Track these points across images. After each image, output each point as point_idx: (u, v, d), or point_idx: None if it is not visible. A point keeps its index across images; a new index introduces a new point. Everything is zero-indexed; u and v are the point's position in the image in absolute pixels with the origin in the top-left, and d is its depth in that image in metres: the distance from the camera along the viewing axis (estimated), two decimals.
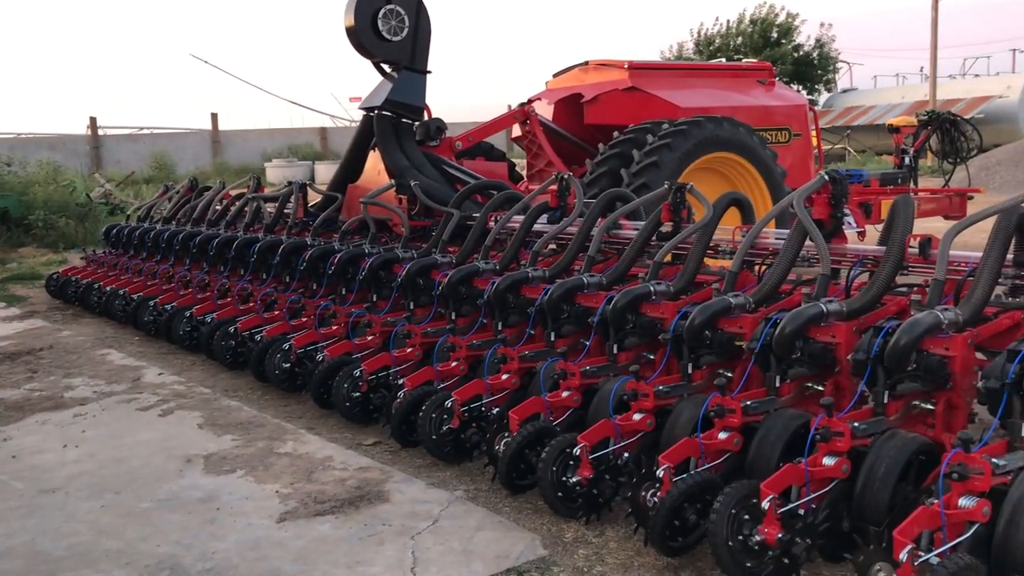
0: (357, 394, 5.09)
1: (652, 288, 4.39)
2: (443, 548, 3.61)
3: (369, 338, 5.52)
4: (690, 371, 4.02)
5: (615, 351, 4.39)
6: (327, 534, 3.78)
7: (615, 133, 8.31)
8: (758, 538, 3.06)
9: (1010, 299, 3.78)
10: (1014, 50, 44.89)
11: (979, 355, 3.48)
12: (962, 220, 3.78)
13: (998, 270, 3.54)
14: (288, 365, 5.74)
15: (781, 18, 38.24)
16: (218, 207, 8.73)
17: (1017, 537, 2.80)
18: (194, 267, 7.90)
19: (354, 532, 3.79)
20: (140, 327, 7.83)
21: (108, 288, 8.61)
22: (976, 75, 38.12)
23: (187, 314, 7.14)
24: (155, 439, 5.09)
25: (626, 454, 3.79)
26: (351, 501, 4.10)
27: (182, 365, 6.83)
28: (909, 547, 2.66)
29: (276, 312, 6.44)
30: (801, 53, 38.45)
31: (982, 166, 19.96)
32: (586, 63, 9.89)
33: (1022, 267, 3.68)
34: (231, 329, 6.46)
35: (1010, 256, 3.64)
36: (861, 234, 8.87)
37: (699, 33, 39.34)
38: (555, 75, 10.34)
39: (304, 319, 6.14)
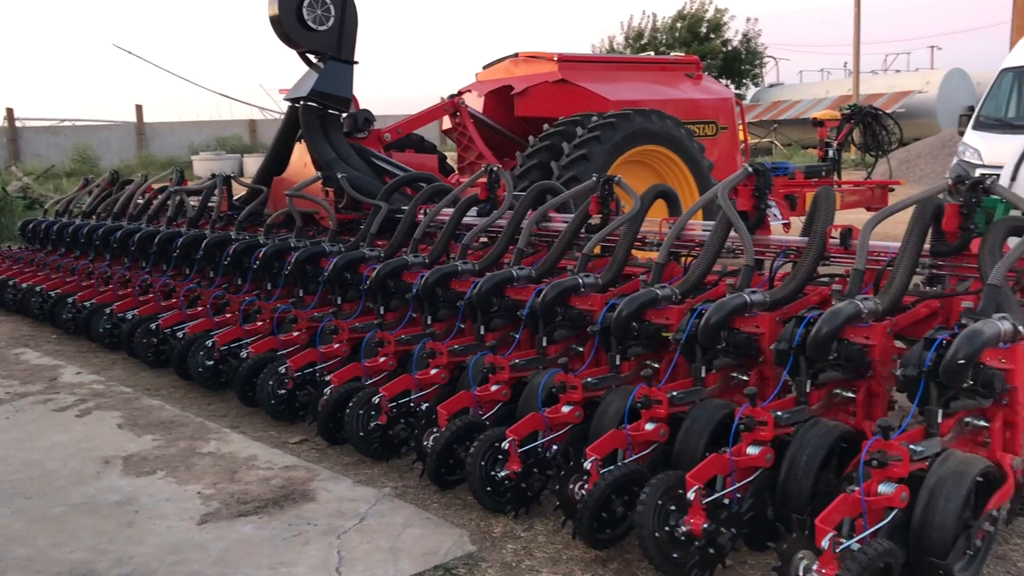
0: (283, 391, 4.99)
1: (581, 281, 4.38)
2: (370, 547, 3.55)
3: (295, 334, 5.41)
4: (618, 363, 4.02)
5: (544, 344, 4.38)
6: (250, 535, 3.69)
7: (545, 125, 8.30)
8: (684, 529, 3.07)
9: (927, 288, 3.86)
10: (932, 47, 46.38)
11: (898, 343, 3.55)
12: (881, 211, 3.86)
13: (916, 260, 3.60)
14: (212, 362, 5.61)
15: (710, 13, 38.75)
16: (140, 201, 8.50)
17: (933, 521, 2.87)
18: (115, 263, 7.68)
19: (278, 532, 3.70)
20: (58, 325, 7.58)
21: (24, 285, 8.31)
22: (897, 71, 39.20)
23: (107, 311, 6.94)
24: (71, 441, 4.92)
25: (555, 447, 3.78)
26: (275, 501, 4.01)
27: (102, 364, 6.62)
28: (831, 534, 2.69)
29: (199, 308, 6.28)
30: (729, 48, 39.02)
31: (903, 159, 20.51)
32: (516, 55, 9.86)
33: (939, 257, 3.75)
34: (153, 326, 6.29)
35: (927, 246, 3.71)
36: (786, 226, 9.02)
37: (628, 26, 39.67)
38: (485, 67, 10.29)
39: (228, 315, 6.00)
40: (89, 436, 4.98)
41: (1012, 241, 3.53)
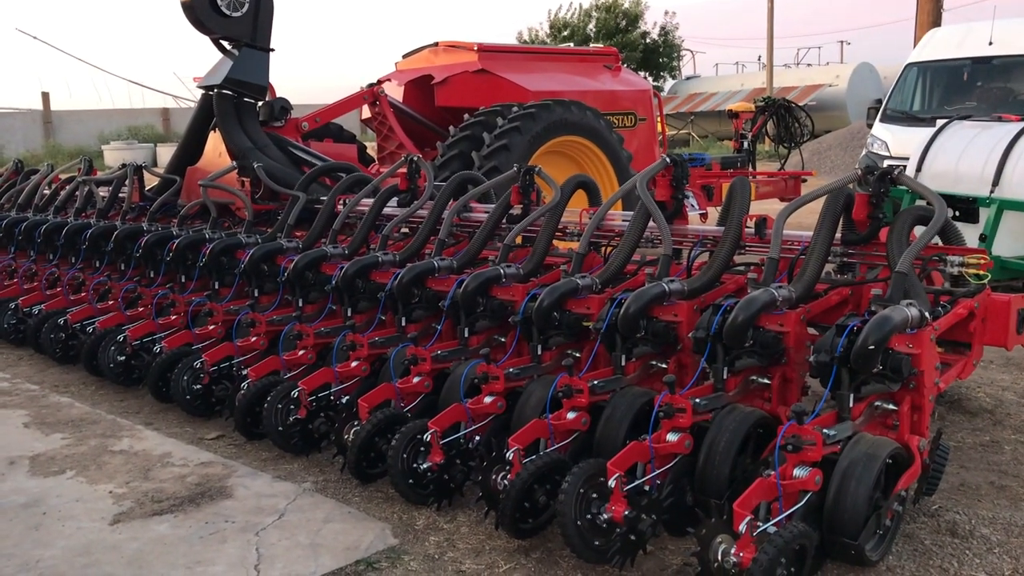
0: (198, 386, 4.87)
1: (502, 271, 4.37)
2: (289, 543, 3.49)
3: (211, 327, 5.28)
4: (540, 352, 4.03)
5: (466, 335, 4.36)
6: (165, 534, 3.59)
7: (466, 115, 8.26)
8: (605, 516, 3.10)
9: (839, 276, 3.97)
10: (842, 42, 47.73)
11: (811, 330, 3.64)
12: (794, 201, 3.94)
13: (827, 248, 3.69)
14: (123, 358, 5.44)
15: (627, 5, 39.15)
16: (46, 191, 8.18)
17: (845, 503, 2.95)
18: (20, 256, 7.38)
19: (194, 531, 3.61)
20: None
21: None
22: (808, 65, 40.16)
23: (12, 306, 6.68)
24: None
25: (477, 437, 3.78)
26: (191, 499, 3.91)
27: (6, 361, 6.36)
28: (748, 518, 2.75)
29: (110, 302, 6.09)
30: (648, 40, 39.50)
31: (814, 151, 21.07)
32: (436, 45, 9.79)
33: (849, 245, 3.85)
34: (61, 321, 6.07)
35: (839, 235, 3.81)
36: (703, 215, 9.17)
37: (555, 16, 39.83)
38: (405, 56, 10.19)
39: (141, 309, 5.82)
40: None
41: (919, 230, 3.64)
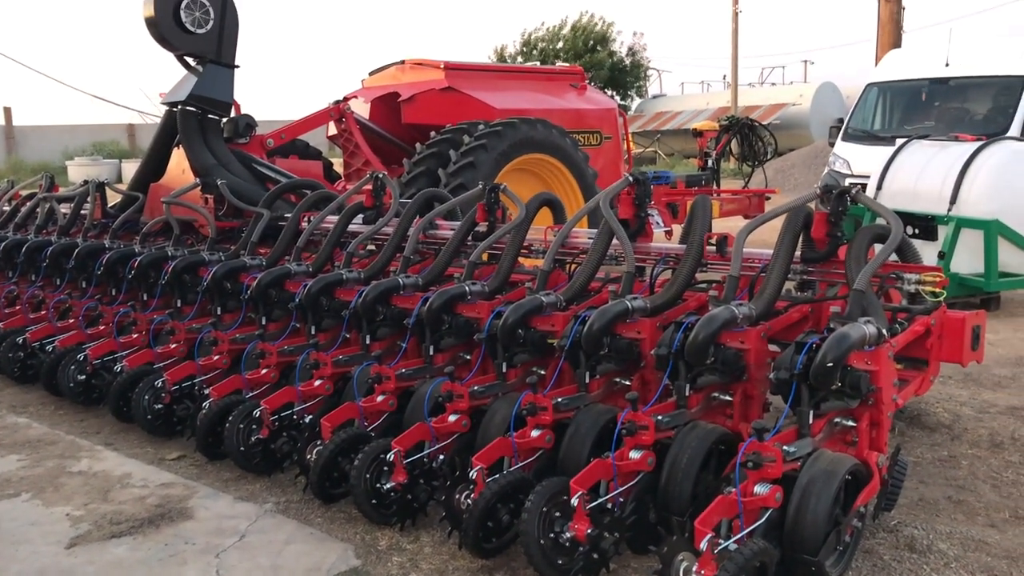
0: (159, 406, 4.81)
1: (467, 288, 4.37)
2: (250, 565, 3.45)
3: (172, 346, 5.23)
4: (504, 370, 4.03)
5: (431, 353, 4.35)
6: (123, 557, 3.53)
7: (432, 133, 8.29)
8: (568, 535, 3.10)
9: (799, 294, 4.01)
10: (805, 62, 48.33)
11: (772, 347, 3.67)
12: (754, 219, 3.98)
13: (787, 266, 3.74)
14: (84, 377, 5.36)
15: (599, 26, 39.51)
16: (6, 208, 8.07)
17: (805, 519, 2.97)
18: None
19: (153, 553, 3.56)
20: None
21: None
22: (773, 84, 40.60)
23: None
24: None
25: (441, 456, 3.76)
26: (151, 520, 3.86)
27: None
28: (709, 536, 2.76)
29: (71, 320, 6.00)
30: (616, 59, 39.85)
31: (778, 169, 21.34)
32: (402, 62, 9.82)
33: (809, 263, 3.90)
34: (20, 339, 5.97)
35: (798, 253, 3.86)
36: (668, 233, 9.26)
37: (528, 35, 40.10)
38: (371, 73, 10.21)
39: (102, 327, 5.75)
40: None
41: (878, 248, 3.70)
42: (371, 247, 5.76)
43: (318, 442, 3.98)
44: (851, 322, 3.20)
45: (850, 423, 3.29)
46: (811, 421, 3.16)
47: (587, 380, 3.75)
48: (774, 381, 3.19)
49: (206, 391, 4.64)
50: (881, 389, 3.20)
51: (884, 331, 3.21)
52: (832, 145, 11.51)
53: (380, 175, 5.81)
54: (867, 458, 3.26)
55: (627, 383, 3.86)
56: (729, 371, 3.45)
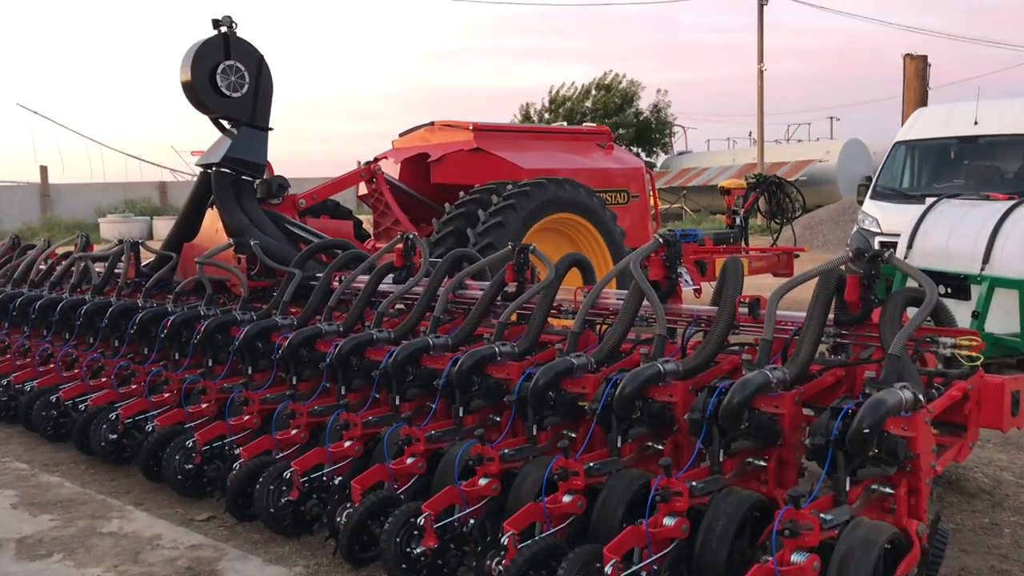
0: (190, 466, 4.83)
1: (497, 349, 4.38)
2: None
3: (203, 406, 5.25)
4: (535, 433, 4.00)
5: (461, 414, 4.34)
6: None
7: (461, 193, 8.36)
8: None
9: (833, 357, 3.98)
10: (832, 118, 48.51)
11: (806, 411, 3.63)
12: (787, 282, 3.97)
13: (821, 329, 3.71)
14: (115, 436, 5.39)
15: (624, 84, 40.03)
16: (43, 267, 8.21)
17: None
18: (13, 331, 7.37)
19: None
20: None
21: None
22: (799, 140, 40.78)
23: (4, 382, 6.63)
24: None
25: (472, 521, 3.73)
26: None
27: None
28: None
29: (103, 379, 6.06)
30: (641, 118, 40.27)
31: (806, 225, 21.29)
32: (432, 123, 9.96)
33: (843, 326, 3.87)
34: (53, 398, 6.03)
35: (831, 316, 3.83)
36: (697, 291, 9.23)
37: (556, 92, 40.66)
38: (401, 134, 10.36)
39: (134, 386, 5.80)
40: None
41: (911, 311, 3.67)
42: (401, 307, 5.80)
43: (348, 504, 3.97)
44: (887, 387, 3.16)
45: (888, 490, 3.23)
46: (848, 488, 3.11)
47: (619, 444, 3.72)
48: (809, 447, 3.15)
49: (236, 451, 4.65)
50: (919, 456, 3.15)
51: (921, 396, 3.17)
52: (860, 203, 11.49)
53: (410, 235, 5.87)
54: (906, 526, 3.19)
55: (660, 447, 3.82)
56: (763, 436, 3.41)
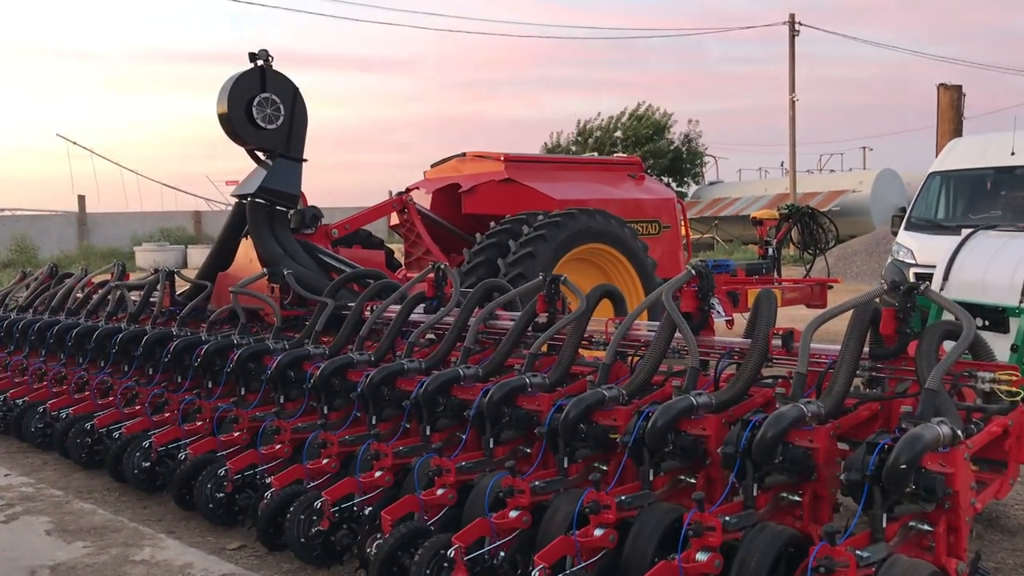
0: (221, 494, 4.85)
1: (528, 380, 4.37)
2: None
3: (236, 434, 5.29)
4: (566, 465, 3.98)
5: (491, 445, 4.33)
6: None
7: (492, 223, 8.40)
8: None
9: (868, 391, 3.93)
10: (864, 148, 48.15)
11: (841, 445, 3.58)
12: (821, 314, 3.94)
13: (856, 363, 3.67)
14: (148, 464, 5.44)
15: (657, 115, 40.13)
16: (79, 295, 8.33)
17: None
18: (50, 359, 7.47)
19: None
20: None
21: None
22: (832, 170, 40.55)
23: (40, 409, 6.72)
24: None
25: (502, 553, 3.71)
26: None
27: (32, 465, 6.38)
28: None
29: (137, 407, 6.12)
30: (672, 148, 40.30)
31: (840, 256, 21.10)
32: (463, 154, 10.03)
33: (878, 360, 3.82)
34: (88, 425, 6.10)
35: (866, 349, 3.79)
36: (729, 322, 9.17)
37: (583, 124, 40.85)
38: (433, 165, 10.45)
39: (167, 414, 5.85)
40: (15, 544, 4.76)
41: (948, 344, 3.62)
42: (431, 336, 5.81)
43: (378, 535, 3.96)
44: (924, 422, 3.11)
45: (926, 527, 3.17)
46: (885, 525, 3.06)
47: (651, 477, 3.69)
48: (845, 482, 3.10)
49: (268, 480, 4.67)
50: (958, 492, 3.09)
51: (959, 432, 3.11)
52: (895, 234, 11.37)
53: (442, 266, 5.89)
54: (945, 565, 3.12)
55: (692, 481, 3.79)
56: (798, 471, 3.36)
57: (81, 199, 37.88)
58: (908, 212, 11.33)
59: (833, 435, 3.47)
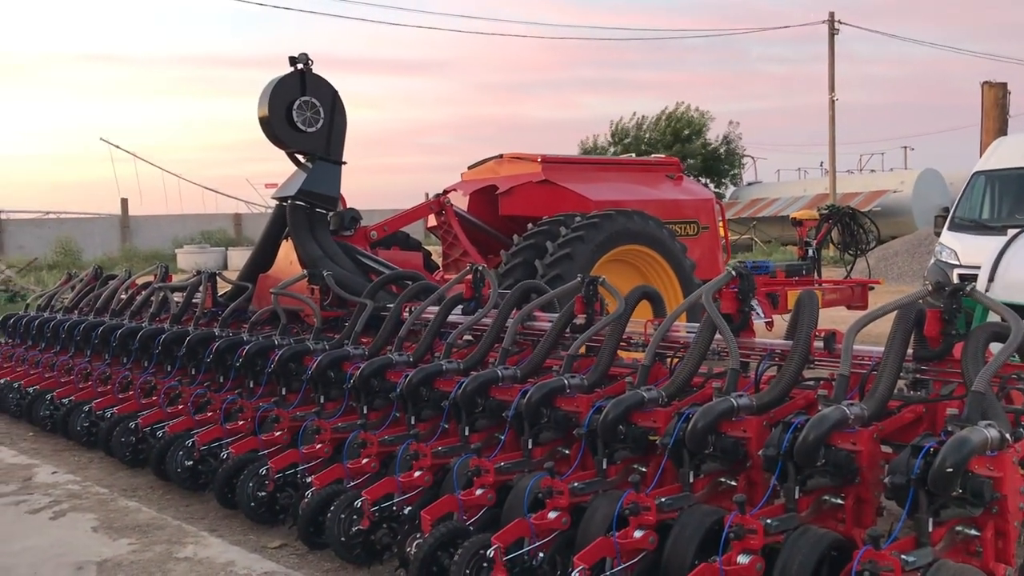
0: (263, 493, 4.90)
1: (566, 381, 4.36)
2: None
3: (277, 434, 5.34)
4: (605, 467, 3.97)
5: (530, 446, 4.33)
6: None
7: (529, 224, 8.41)
8: None
9: (912, 393, 3.87)
10: (906, 147, 47.47)
11: (884, 448, 3.54)
12: (864, 315, 3.89)
13: (899, 365, 3.62)
14: (191, 462, 5.51)
15: (695, 116, 39.91)
16: (123, 296, 8.47)
17: None
18: (95, 359, 7.60)
19: None
20: (35, 422, 7.46)
21: (2, 380, 8.21)
22: (872, 170, 40.04)
23: (86, 408, 6.84)
24: (44, 545, 4.78)
25: (541, 554, 3.71)
26: None
27: (78, 463, 6.50)
28: None
29: (180, 406, 6.21)
30: (709, 149, 40.03)
31: (881, 257, 20.83)
32: (501, 156, 10.05)
33: (923, 362, 3.77)
34: (132, 424, 6.20)
35: (910, 351, 3.74)
36: (769, 324, 9.08)
37: (616, 125, 40.75)
38: (471, 167, 10.47)
39: (209, 414, 5.93)
40: (63, 540, 4.85)
41: (994, 346, 3.56)
42: (469, 338, 5.83)
43: (418, 535, 3.98)
44: (970, 425, 3.06)
45: (973, 532, 3.12)
46: (930, 529, 3.02)
47: (691, 480, 3.67)
48: (889, 485, 3.06)
49: (308, 479, 4.71)
50: (1006, 497, 3.03)
51: (1008, 435, 3.06)
52: (938, 235, 11.20)
53: (480, 267, 5.91)
54: (993, 570, 3.07)
55: (732, 483, 3.76)
56: (840, 474, 3.33)
57: (124, 202, 38.55)
58: (952, 212, 11.15)
59: (876, 438, 3.43)
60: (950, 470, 2.89)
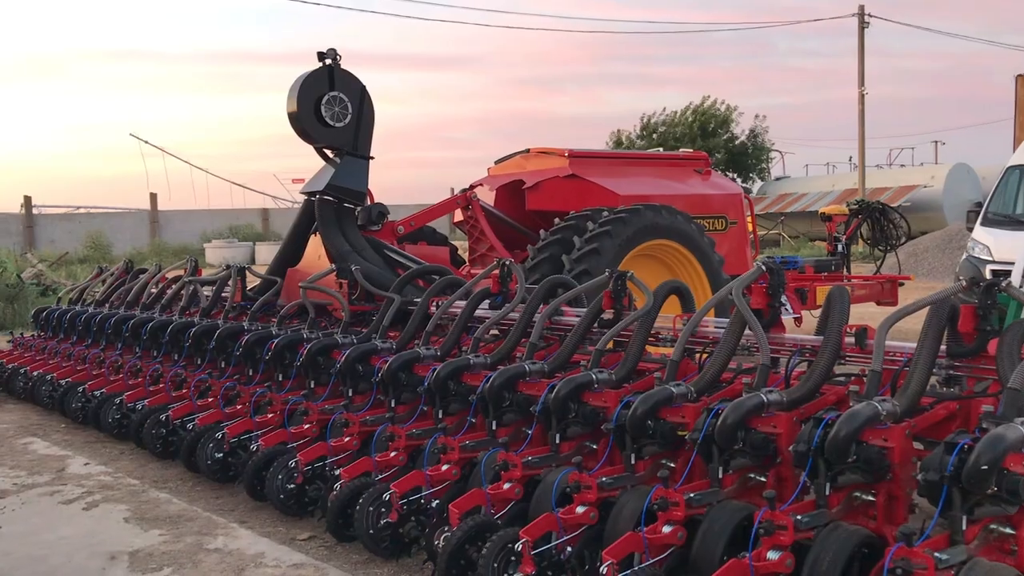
0: (292, 486, 4.94)
1: (594, 376, 4.35)
2: None
3: (306, 427, 5.38)
4: (633, 462, 3.96)
5: (558, 441, 4.33)
6: None
7: (556, 219, 8.39)
8: None
9: (945, 389, 3.83)
10: (936, 142, 46.82)
11: (917, 445, 3.50)
12: (896, 311, 3.84)
13: (932, 361, 3.58)
14: (221, 455, 5.56)
15: (721, 110, 39.65)
16: (154, 290, 8.55)
17: None
18: (126, 352, 7.68)
19: None
20: (67, 414, 7.56)
21: (35, 373, 8.32)
22: (902, 165, 39.60)
23: (117, 401, 6.92)
24: (77, 535, 4.85)
25: (569, 548, 3.71)
26: None
27: (110, 455, 6.58)
28: None
29: (210, 399, 6.26)
30: (736, 143, 39.76)
31: (911, 252, 20.60)
32: (527, 151, 10.04)
33: (956, 358, 3.73)
34: (162, 417, 6.26)
35: (943, 347, 3.69)
36: (798, 320, 9.01)
37: (647, 119, 40.58)
38: (497, 162, 10.46)
39: (239, 407, 5.97)
40: (95, 530, 4.91)
41: None
42: (496, 332, 5.83)
43: (445, 528, 3.99)
44: (1006, 422, 3.02)
45: (1008, 531, 3.08)
46: (964, 527, 2.98)
47: (720, 475, 3.65)
48: (922, 483, 3.03)
49: (337, 472, 4.74)
50: None
51: None
52: (970, 230, 11.07)
53: (507, 262, 5.91)
54: None
55: (762, 479, 3.74)
56: (872, 470, 3.29)
57: (153, 197, 38.85)
58: (984, 207, 11.01)
59: (909, 434, 3.40)
60: (985, 467, 2.85)
